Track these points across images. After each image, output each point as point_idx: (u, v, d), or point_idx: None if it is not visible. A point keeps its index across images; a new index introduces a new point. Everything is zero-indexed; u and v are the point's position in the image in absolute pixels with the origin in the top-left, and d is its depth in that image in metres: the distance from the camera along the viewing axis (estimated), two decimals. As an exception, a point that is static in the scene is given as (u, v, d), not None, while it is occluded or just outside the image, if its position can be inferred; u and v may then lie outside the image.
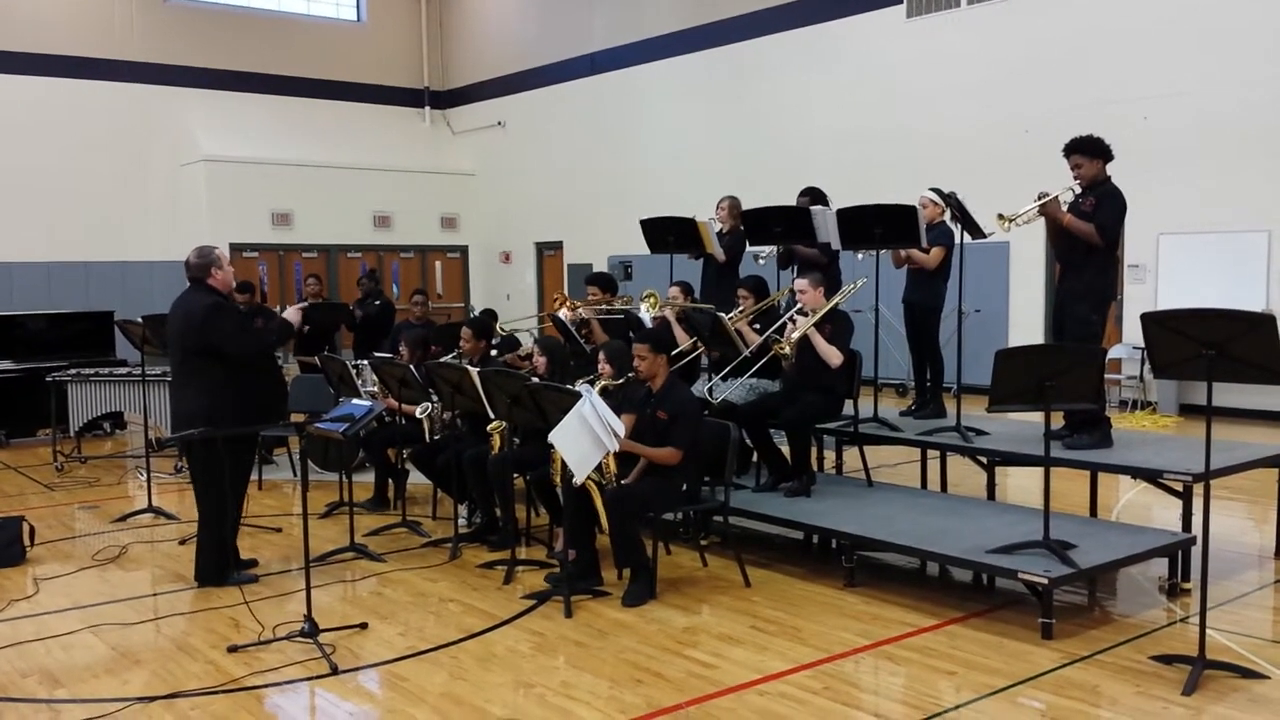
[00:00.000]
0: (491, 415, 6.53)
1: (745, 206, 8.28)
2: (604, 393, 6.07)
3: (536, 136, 20.52)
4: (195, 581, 6.20)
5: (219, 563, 6.18)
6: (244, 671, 4.87)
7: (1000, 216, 6.47)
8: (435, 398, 7.26)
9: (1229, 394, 10.69)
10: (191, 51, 19.68)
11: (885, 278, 7.31)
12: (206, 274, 6.06)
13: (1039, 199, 6.42)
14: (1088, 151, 6.41)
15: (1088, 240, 6.34)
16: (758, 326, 7.09)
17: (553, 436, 5.46)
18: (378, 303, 12.07)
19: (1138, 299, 12.32)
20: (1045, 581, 5.08)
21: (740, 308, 7.21)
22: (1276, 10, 11.56)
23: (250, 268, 18.66)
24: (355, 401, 5.91)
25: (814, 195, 7.99)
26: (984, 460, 7.00)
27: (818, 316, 6.68)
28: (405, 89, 22.43)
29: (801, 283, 6.86)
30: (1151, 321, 4.63)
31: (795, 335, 6.57)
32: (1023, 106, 13.46)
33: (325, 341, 11.77)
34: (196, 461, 6.16)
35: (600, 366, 6.35)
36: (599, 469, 5.70)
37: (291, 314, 6.42)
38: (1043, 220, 6.59)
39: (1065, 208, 6.45)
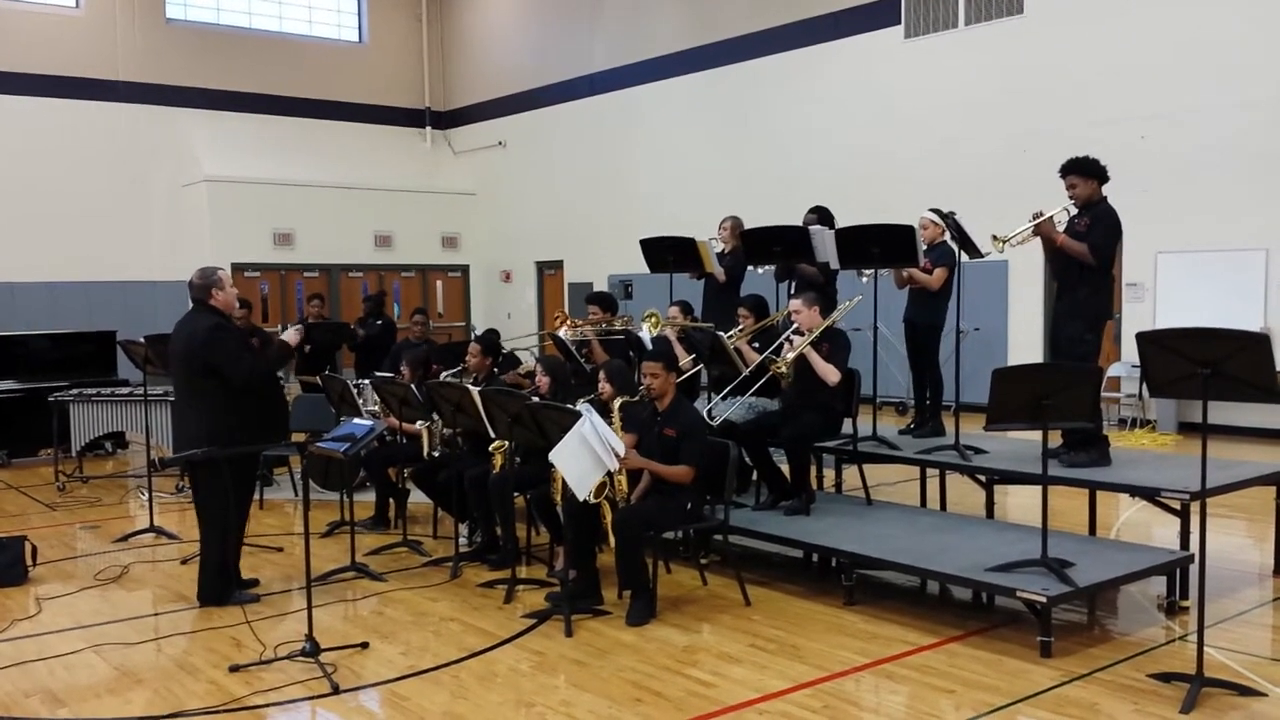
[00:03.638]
0: (492, 434, 6.56)
1: (745, 226, 8.33)
2: (623, 408, 6.11)
3: (537, 156, 20.62)
4: (197, 601, 6.22)
5: (221, 582, 6.20)
6: (245, 691, 4.88)
7: (995, 237, 6.52)
8: (436, 416, 7.29)
9: (1227, 412, 10.72)
10: (193, 72, 19.81)
11: (884, 296, 7.35)
12: (208, 295, 6.10)
13: (1034, 219, 6.48)
14: (1083, 172, 6.47)
15: (1081, 260, 6.39)
16: (757, 345, 7.12)
17: (553, 455, 5.50)
18: (379, 322, 12.13)
19: (1136, 317, 12.36)
20: (1044, 600, 5.09)
21: (740, 327, 7.25)
22: (1272, 31, 11.64)
23: (252, 287, 18.72)
24: (356, 421, 5.94)
25: (821, 214, 8.03)
26: (983, 479, 7.02)
27: (814, 335, 6.71)
28: (406, 109, 22.55)
29: (796, 303, 6.89)
30: (1147, 341, 4.67)
31: (792, 355, 6.60)
32: (1021, 126, 13.53)
33: (326, 361, 11.83)
34: (199, 481, 6.19)
35: (601, 386, 6.39)
36: (611, 488, 5.74)
37: (290, 335, 6.41)
38: (1039, 239, 6.63)
39: (1061, 227, 6.50)
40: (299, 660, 5.15)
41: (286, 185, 19.64)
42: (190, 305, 6.26)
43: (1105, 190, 6.53)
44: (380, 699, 4.86)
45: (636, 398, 6.19)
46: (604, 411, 6.00)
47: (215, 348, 5.96)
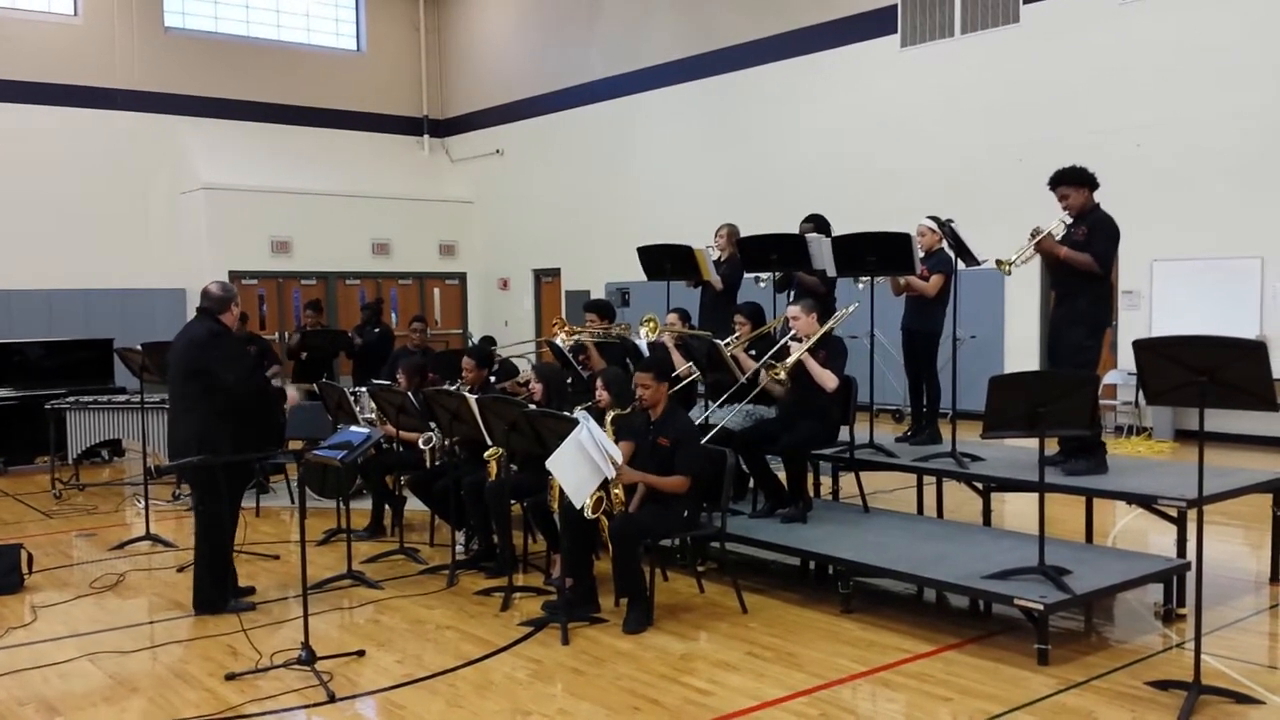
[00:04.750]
0: (489, 442, 6.56)
1: (742, 234, 8.34)
2: (615, 421, 6.11)
3: (534, 164, 20.64)
4: (193, 609, 6.21)
5: (216, 590, 6.19)
6: (241, 699, 4.87)
7: (999, 262, 6.51)
8: (435, 426, 7.28)
9: (1224, 420, 10.72)
10: (192, 80, 19.81)
11: (881, 304, 7.36)
12: (224, 308, 6.17)
13: (1033, 237, 6.46)
14: (1073, 181, 6.46)
15: (1087, 270, 6.37)
16: (754, 353, 7.13)
17: (550, 463, 5.49)
18: (376, 330, 12.12)
19: (1132, 325, 12.37)
20: (1041, 607, 5.09)
21: (737, 334, 7.25)
22: (1266, 39, 11.68)
23: (250, 295, 18.70)
24: (353, 429, 5.93)
25: (817, 223, 8.05)
26: (979, 486, 7.03)
27: (811, 342, 6.71)
28: (404, 117, 22.57)
29: (794, 310, 6.90)
30: (1144, 348, 4.67)
31: (789, 361, 6.60)
32: (1016, 135, 13.56)
33: (324, 369, 11.82)
34: (195, 488, 6.19)
35: (598, 393, 6.38)
36: (608, 501, 5.73)
37: (293, 394, 6.55)
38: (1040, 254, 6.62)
39: (1059, 238, 6.48)
40: (295, 668, 5.14)
41: (284, 193, 19.64)
42: (194, 314, 6.28)
43: (1098, 197, 6.53)
44: (376, 707, 4.85)
45: (628, 409, 6.19)
46: (599, 421, 6.00)
47: (213, 351, 6.00)
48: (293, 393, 6.60)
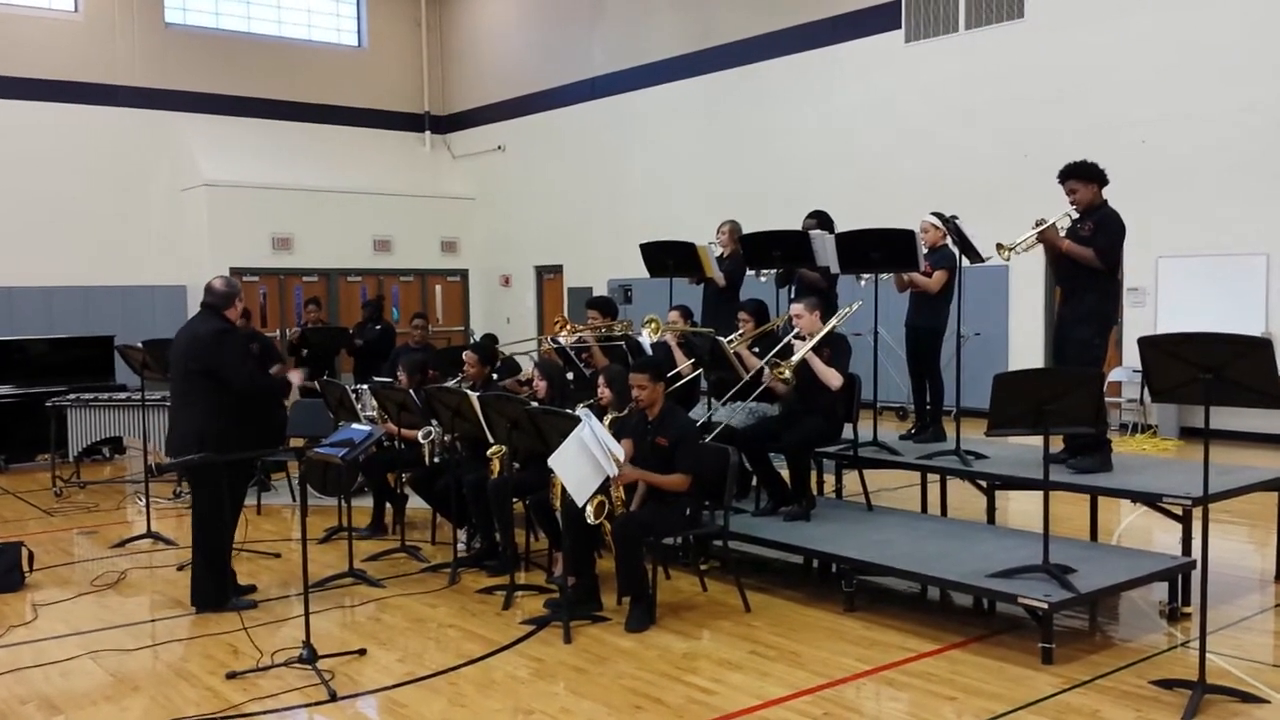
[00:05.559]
0: (491, 440, 6.53)
1: (744, 231, 8.31)
2: (613, 423, 6.08)
3: (536, 160, 20.60)
4: (194, 607, 6.19)
5: (217, 588, 6.17)
6: (242, 698, 4.85)
7: (1000, 246, 6.48)
8: (435, 422, 7.27)
9: (1229, 417, 10.70)
10: (193, 76, 19.79)
11: (884, 301, 7.32)
12: (228, 304, 6.15)
13: (1036, 226, 6.43)
14: (1082, 176, 6.43)
15: (1088, 265, 6.35)
16: (757, 350, 7.10)
17: (552, 461, 5.47)
18: (378, 327, 12.10)
19: (1137, 322, 12.32)
20: (1045, 606, 5.07)
21: (740, 331, 7.23)
22: (1273, 34, 11.63)
23: (251, 292, 18.67)
24: (355, 426, 5.91)
25: (821, 219, 8.02)
26: (984, 484, 7.00)
27: (815, 340, 6.68)
28: (406, 114, 22.53)
29: (797, 307, 6.87)
30: (1149, 345, 4.64)
31: (794, 360, 6.57)
32: (1021, 130, 13.51)
33: (325, 366, 11.79)
34: (195, 486, 6.17)
35: (600, 391, 6.36)
36: (610, 504, 5.70)
37: (296, 377, 6.56)
38: (1042, 245, 6.60)
39: (1063, 233, 6.46)
40: (296, 667, 5.12)
41: (285, 190, 19.61)
42: (198, 309, 6.25)
43: (1105, 193, 6.50)
44: (378, 706, 4.83)
45: (625, 411, 6.16)
46: (600, 418, 5.98)
47: (219, 352, 5.98)
48: (296, 377, 6.64)
